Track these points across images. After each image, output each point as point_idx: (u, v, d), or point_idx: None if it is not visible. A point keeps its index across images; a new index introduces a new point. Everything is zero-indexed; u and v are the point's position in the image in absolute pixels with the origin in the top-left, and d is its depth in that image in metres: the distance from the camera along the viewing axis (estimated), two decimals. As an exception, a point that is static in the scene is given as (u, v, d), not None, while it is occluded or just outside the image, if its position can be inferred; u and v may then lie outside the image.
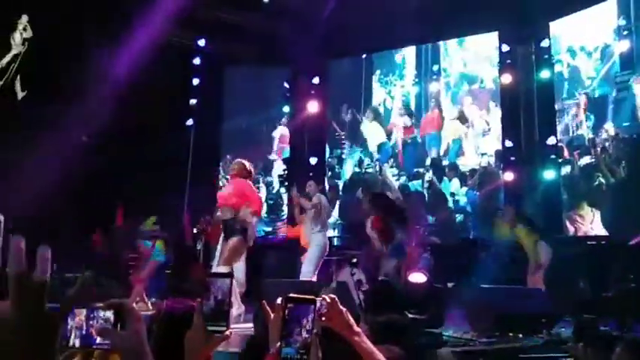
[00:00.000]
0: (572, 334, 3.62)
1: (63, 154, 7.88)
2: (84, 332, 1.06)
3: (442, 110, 9.82)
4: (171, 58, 8.91)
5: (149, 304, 6.61)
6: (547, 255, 6.46)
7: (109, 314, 1.06)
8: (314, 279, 6.21)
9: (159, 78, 8.46)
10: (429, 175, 9.49)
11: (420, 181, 9.71)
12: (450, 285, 7.32)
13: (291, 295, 1.29)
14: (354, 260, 6.38)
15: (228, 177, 6.36)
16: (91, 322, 1.06)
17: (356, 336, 1.58)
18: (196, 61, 9.55)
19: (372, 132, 10.36)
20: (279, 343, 1.24)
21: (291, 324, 1.25)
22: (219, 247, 5.64)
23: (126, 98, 8.27)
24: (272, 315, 1.35)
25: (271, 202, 10.67)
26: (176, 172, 8.84)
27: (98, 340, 1.06)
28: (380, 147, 10.29)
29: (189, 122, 9.40)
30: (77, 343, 1.06)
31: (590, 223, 8.04)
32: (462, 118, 9.65)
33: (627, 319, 4.78)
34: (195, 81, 9.48)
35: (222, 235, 5.67)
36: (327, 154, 10.67)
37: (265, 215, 10.64)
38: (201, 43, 9.56)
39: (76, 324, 1.06)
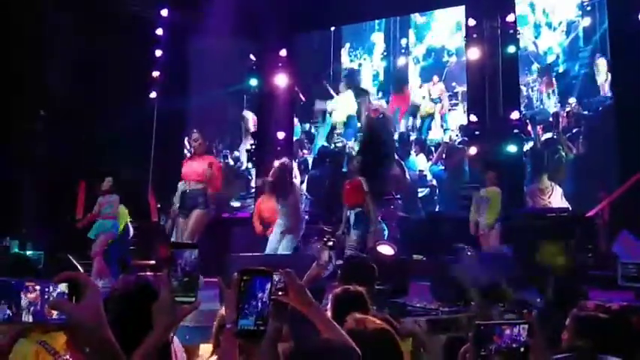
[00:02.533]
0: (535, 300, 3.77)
1: (21, 128, 7.65)
2: (38, 307, 1.04)
3: (411, 88, 9.85)
4: (133, 28, 8.64)
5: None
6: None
7: (64, 288, 1.04)
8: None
9: (120, 49, 8.21)
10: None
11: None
12: (417, 257, 7.47)
13: (247, 267, 1.28)
14: (331, 244, 6.37)
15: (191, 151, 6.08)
16: (45, 297, 1.04)
17: (312, 308, 1.60)
18: (159, 31, 9.27)
19: (343, 103, 10.32)
20: (235, 316, 1.24)
21: (247, 296, 1.24)
22: (180, 225, 5.52)
23: (86, 70, 8.02)
24: (228, 291, 1.35)
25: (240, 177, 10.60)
26: (139, 147, 8.65)
27: (53, 315, 1.03)
28: (347, 121, 10.28)
29: (152, 95, 9.17)
30: (30, 319, 1.03)
31: (549, 196, 8.28)
32: (432, 96, 9.72)
33: (584, 287, 4.97)
34: (158, 52, 9.21)
35: (180, 210, 5.56)
36: (298, 129, 10.62)
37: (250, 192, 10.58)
38: (164, 13, 9.27)
39: (29, 299, 1.04)
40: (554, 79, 8.66)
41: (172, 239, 5.62)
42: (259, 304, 1.25)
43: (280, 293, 1.53)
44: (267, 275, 1.28)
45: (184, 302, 1.20)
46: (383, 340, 1.82)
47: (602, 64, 7.98)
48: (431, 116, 9.70)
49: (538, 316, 2.68)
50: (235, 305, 1.28)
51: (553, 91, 8.64)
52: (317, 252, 5.92)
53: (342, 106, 10.34)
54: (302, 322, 1.70)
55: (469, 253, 5.51)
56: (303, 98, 10.51)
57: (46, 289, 1.06)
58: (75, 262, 5.94)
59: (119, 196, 6.62)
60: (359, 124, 10.05)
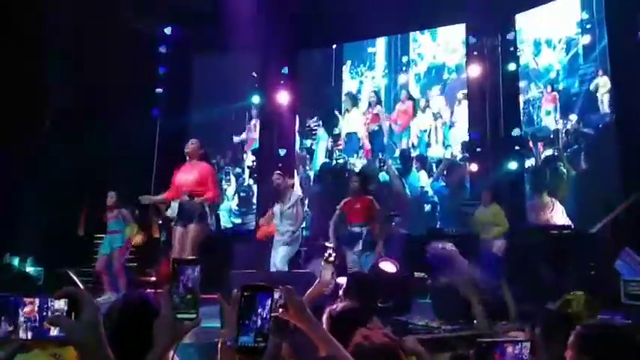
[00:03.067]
0: (533, 320, 3.72)
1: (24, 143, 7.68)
2: (37, 324, 1.03)
3: (414, 101, 9.90)
4: (137, 45, 8.72)
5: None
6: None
7: (63, 304, 1.03)
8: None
9: (124, 66, 8.28)
10: (393, 168, 9.56)
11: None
12: (417, 275, 7.42)
13: (248, 283, 1.28)
14: (332, 259, 6.34)
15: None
16: (44, 313, 1.03)
17: (312, 326, 1.59)
18: (162, 49, 9.36)
19: (353, 120, 10.38)
20: (235, 332, 1.23)
21: (248, 312, 1.23)
22: (176, 234, 5.31)
23: (90, 86, 8.08)
24: (227, 307, 1.34)
25: (242, 194, 10.60)
26: (142, 163, 8.67)
27: (51, 331, 1.02)
28: (348, 136, 10.32)
29: (155, 112, 9.23)
30: (29, 335, 1.02)
31: (550, 212, 8.25)
32: (432, 111, 9.76)
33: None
34: (161, 70, 9.29)
35: (177, 220, 5.32)
36: (298, 146, 10.64)
37: (236, 207, 10.57)
38: (168, 31, 9.38)
39: (27, 314, 1.03)
40: (554, 96, 8.69)
41: (172, 252, 5.49)
42: (259, 320, 1.24)
43: (280, 310, 1.53)
44: (267, 291, 1.28)
45: (185, 319, 1.19)
46: (389, 356, 1.82)
47: (603, 81, 8.02)
48: (428, 130, 9.72)
49: (541, 333, 2.65)
50: (235, 321, 1.27)
51: (555, 107, 8.66)
52: (319, 269, 5.91)
53: (351, 124, 10.39)
54: (304, 340, 1.69)
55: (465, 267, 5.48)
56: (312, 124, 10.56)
57: (45, 305, 1.05)
58: (75, 277, 5.92)
59: (126, 209, 6.65)
60: (360, 142, 10.10)
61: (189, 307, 1.22)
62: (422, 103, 9.87)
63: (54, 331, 1.05)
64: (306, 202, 10.13)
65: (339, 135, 10.38)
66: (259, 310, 1.26)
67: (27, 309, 1.04)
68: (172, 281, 1.23)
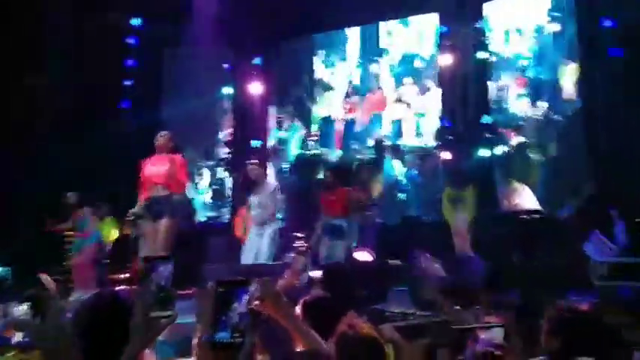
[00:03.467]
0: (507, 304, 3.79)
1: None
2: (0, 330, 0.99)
3: (384, 91, 9.93)
4: (105, 38, 8.54)
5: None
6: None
7: (27, 307, 1.00)
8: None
9: (91, 59, 8.11)
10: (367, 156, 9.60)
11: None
12: (393, 262, 7.49)
13: (223, 278, 1.26)
14: (303, 249, 6.35)
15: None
16: (8, 318, 1.00)
17: (289, 318, 1.58)
18: (131, 41, 9.17)
19: (328, 105, 10.37)
20: (212, 328, 1.22)
21: (224, 308, 1.22)
22: (146, 229, 5.06)
23: (57, 78, 7.90)
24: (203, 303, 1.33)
25: (216, 187, 10.51)
26: (112, 157, 8.51)
27: (16, 337, 0.99)
28: (324, 124, 10.31)
29: (125, 105, 9.06)
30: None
31: (520, 197, 8.40)
32: (403, 100, 9.81)
33: (558, 289, 5.05)
34: (130, 62, 9.11)
35: (147, 214, 5.10)
36: (272, 137, 10.59)
37: (210, 200, 10.48)
38: (136, 22, 9.19)
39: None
40: (524, 83, 8.82)
41: (142, 249, 5.31)
42: (236, 315, 1.23)
43: (256, 302, 1.52)
44: (243, 286, 1.26)
45: (160, 316, 1.18)
46: (374, 345, 1.84)
47: (570, 69, 8.16)
48: (400, 121, 9.78)
49: (515, 318, 2.70)
50: (211, 317, 1.26)
51: (526, 94, 8.80)
52: (291, 259, 5.92)
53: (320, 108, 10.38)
54: (274, 333, 1.69)
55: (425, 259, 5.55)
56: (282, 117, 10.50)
57: (7, 310, 1.02)
58: (44, 278, 5.78)
59: (91, 209, 6.47)
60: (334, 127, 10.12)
61: (163, 305, 1.21)
62: (394, 94, 9.91)
63: (18, 336, 1.02)
64: (281, 195, 10.12)
65: (312, 125, 10.36)
66: (235, 305, 1.25)
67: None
68: (144, 279, 1.22)
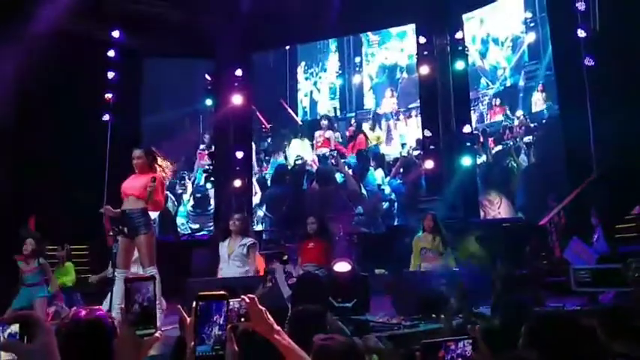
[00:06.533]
0: (490, 310, 3.85)
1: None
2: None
3: (366, 134, 9.94)
4: (84, 50, 8.48)
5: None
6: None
7: (15, 328, 1.01)
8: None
9: (70, 72, 8.05)
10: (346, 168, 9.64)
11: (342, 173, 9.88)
12: (378, 272, 7.52)
13: (201, 292, 1.28)
14: (285, 257, 6.30)
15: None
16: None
17: (276, 334, 1.60)
18: (111, 53, 9.13)
19: (297, 148, 10.39)
20: (192, 342, 1.23)
21: (204, 321, 1.24)
22: (119, 245, 4.90)
23: (34, 93, 7.81)
24: (188, 319, 1.34)
25: (198, 195, 10.45)
26: (93, 170, 8.43)
27: (3, 357, 1.01)
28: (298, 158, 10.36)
29: (106, 117, 8.99)
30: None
31: (498, 207, 8.55)
32: (385, 111, 9.91)
33: (540, 293, 5.12)
34: (111, 74, 9.06)
35: (123, 230, 4.91)
36: (254, 147, 10.59)
37: (191, 209, 10.41)
38: (116, 34, 9.15)
39: (-24, 341, 1.00)
40: (502, 92, 8.97)
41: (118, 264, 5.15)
42: (216, 328, 1.24)
43: (242, 320, 1.53)
44: (222, 299, 1.28)
45: (145, 335, 1.19)
46: (352, 355, 1.85)
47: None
48: (379, 145, 9.85)
49: (485, 330, 2.74)
50: (192, 331, 1.27)
51: (502, 104, 8.95)
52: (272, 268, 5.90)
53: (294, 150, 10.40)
54: (260, 348, 1.70)
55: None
56: (267, 126, 10.52)
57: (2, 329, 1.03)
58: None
59: (46, 262, 6.05)
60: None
61: (146, 323, 1.22)
62: (369, 125, 9.96)
63: (6, 357, 1.03)
64: (264, 207, 10.14)
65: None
66: (215, 318, 1.26)
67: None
68: (127, 300, 1.23)
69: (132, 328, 1.19)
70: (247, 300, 1.55)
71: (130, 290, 1.21)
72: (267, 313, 1.62)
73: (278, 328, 1.69)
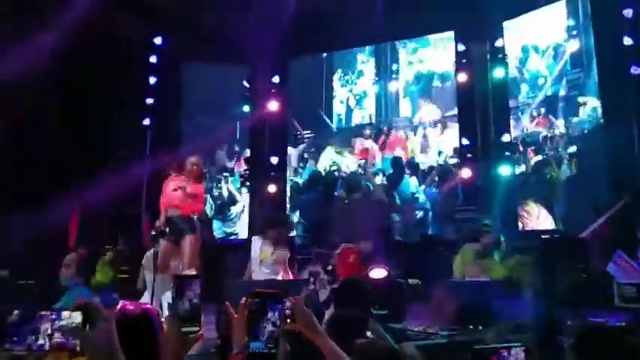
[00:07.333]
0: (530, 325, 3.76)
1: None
2: (53, 334, 1.04)
3: (407, 136, 9.90)
4: (128, 55, 8.72)
5: None
6: None
7: (77, 315, 1.04)
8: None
9: (114, 77, 8.27)
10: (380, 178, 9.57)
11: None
12: (412, 281, 7.44)
13: (258, 290, 1.29)
14: (330, 267, 6.26)
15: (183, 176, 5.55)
16: (58, 324, 1.05)
17: (320, 337, 1.60)
18: (153, 59, 9.36)
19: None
20: (245, 339, 1.24)
21: (258, 319, 1.24)
22: (162, 247, 5.12)
23: (77, 98, 8.05)
24: (236, 315, 1.35)
25: (219, 202, 10.56)
26: (134, 174, 8.62)
27: (68, 341, 1.04)
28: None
29: (146, 122, 9.20)
30: (47, 346, 1.04)
31: (537, 218, 8.35)
32: (420, 131, 9.82)
33: (579, 308, 4.98)
34: (152, 80, 9.28)
35: (169, 235, 5.15)
36: (291, 154, 10.66)
37: (228, 216, 10.53)
38: (158, 41, 9.38)
39: (43, 327, 1.04)
40: (543, 101, 8.79)
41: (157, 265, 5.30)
42: (270, 326, 1.25)
43: (288, 321, 1.54)
44: (277, 298, 1.29)
45: (190, 332, 1.21)
46: (394, 357, 1.84)
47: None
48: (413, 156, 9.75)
49: (537, 339, 2.68)
50: (245, 329, 1.28)
51: (543, 114, 8.77)
52: (314, 275, 5.91)
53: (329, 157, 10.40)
54: (305, 349, 1.70)
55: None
56: (303, 132, 10.57)
57: (58, 317, 1.06)
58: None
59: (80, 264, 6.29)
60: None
61: (192, 321, 1.24)
62: (406, 132, 9.88)
63: (70, 342, 1.07)
64: (297, 213, 10.17)
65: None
66: (269, 316, 1.27)
67: (45, 321, 1.06)
68: (177, 296, 1.25)
69: (179, 324, 1.21)
70: (294, 302, 1.56)
71: (180, 287, 1.22)
72: (312, 316, 1.63)
73: (322, 330, 1.69)
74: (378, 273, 5.41)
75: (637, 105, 6.88)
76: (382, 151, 9.99)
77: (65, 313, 1.08)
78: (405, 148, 9.83)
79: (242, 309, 1.35)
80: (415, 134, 9.86)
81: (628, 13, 7.00)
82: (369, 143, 10.07)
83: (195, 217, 5.36)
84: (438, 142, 9.69)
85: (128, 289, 6.48)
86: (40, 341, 1.07)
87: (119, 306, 1.84)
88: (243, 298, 1.37)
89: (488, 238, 6.14)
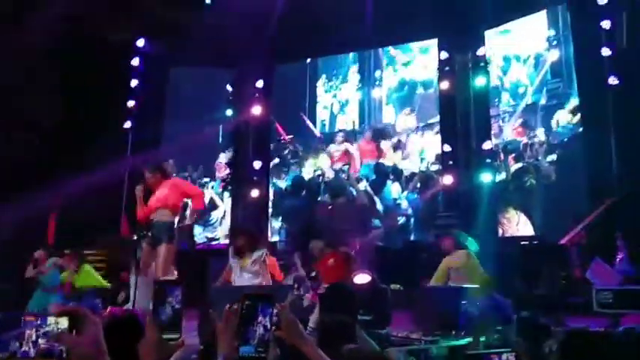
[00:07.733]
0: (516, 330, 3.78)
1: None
2: (38, 340, 1.02)
3: (379, 142, 9.89)
4: (109, 58, 8.61)
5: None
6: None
7: (63, 321, 1.02)
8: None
9: (95, 78, 8.17)
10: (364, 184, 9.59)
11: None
12: (394, 287, 7.45)
13: (249, 292, 1.27)
14: (314, 274, 6.21)
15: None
16: (45, 330, 1.02)
17: (306, 344, 1.58)
18: (135, 61, 9.27)
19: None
20: (235, 343, 1.21)
21: (248, 322, 1.22)
22: (144, 251, 5.11)
23: (57, 98, 7.94)
24: (219, 323, 1.32)
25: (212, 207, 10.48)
26: (114, 177, 8.51)
27: (54, 347, 1.01)
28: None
29: (127, 124, 9.10)
30: (32, 353, 1.01)
31: (516, 224, 8.45)
32: (398, 147, 9.84)
33: (559, 314, 5.03)
34: (134, 82, 9.19)
35: (149, 238, 5.14)
36: (273, 159, 10.63)
37: (209, 221, 10.45)
38: (140, 43, 9.29)
39: (28, 333, 1.02)
40: (524, 110, 8.91)
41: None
42: (261, 329, 1.23)
43: (274, 327, 1.52)
44: (269, 301, 1.27)
45: (171, 339, 1.19)
46: None
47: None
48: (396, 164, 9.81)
49: (524, 345, 2.71)
50: (231, 336, 1.25)
51: (523, 122, 8.89)
52: (297, 280, 5.87)
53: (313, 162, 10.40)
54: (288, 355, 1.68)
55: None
56: (286, 138, 10.54)
57: (45, 323, 1.04)
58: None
59: (57, 266, 6.20)
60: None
61: (173, 327, 1.22)
62: (391, 143, 9.90)
63: (56, 347, 1.04)
64: (280, 218, 10.13)
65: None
66: (260, 319, 1.25)
67: (30, 327, 1.03)
68: (158, 302, 1.22)
69: (159, 330, 1.18)
70: (279, 308, 1.54)
71: (161, 292, 1.20)
72: (298, 323, 1.61)
73: (308, 337, 1.67)
74: (361, 278, 5.39)
75: (615, 114, 7.01)
76: (364, 158, 10.01)
77: (51, 319, 1.05)
78: (385, 154, 9.87)
79: (227, 316, 1.32)
80: (398, 140, 9.91)
81: (606, 24, 7.15)
82: (344, 146, 10.09)
83: (176, 225, 5.34)
84: (419, 148, 9.75)
85: (110, 295, 6.39)
86: (25, 348, 1.04)
87: (107, 311, 1.81)
88: (227, 305, 1.34)
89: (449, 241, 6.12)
